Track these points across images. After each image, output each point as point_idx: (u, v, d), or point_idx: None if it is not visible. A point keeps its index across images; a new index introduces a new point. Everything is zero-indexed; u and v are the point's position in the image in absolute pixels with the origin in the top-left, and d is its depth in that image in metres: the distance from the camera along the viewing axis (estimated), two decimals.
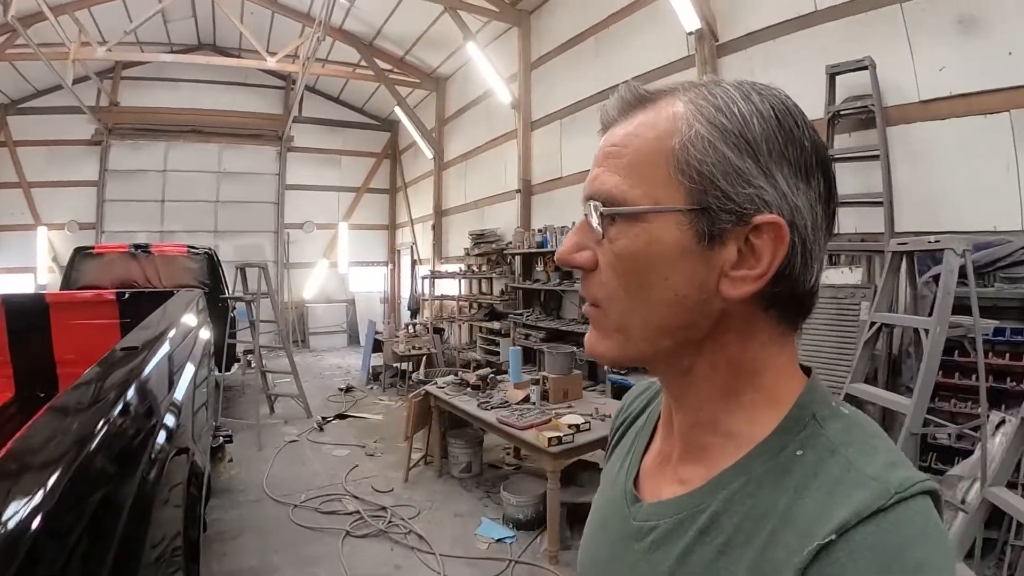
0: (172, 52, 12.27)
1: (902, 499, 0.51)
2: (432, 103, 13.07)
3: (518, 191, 9.43)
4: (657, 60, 6.76)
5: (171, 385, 2.63)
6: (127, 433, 1.78)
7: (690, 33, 5.91)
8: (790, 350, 0.65)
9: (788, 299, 0.61)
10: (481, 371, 5.70)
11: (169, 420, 2.35)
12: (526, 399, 5.00)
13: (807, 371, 0.66)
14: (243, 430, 6.74)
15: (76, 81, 10.78)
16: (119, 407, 1.79)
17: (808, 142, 0.60)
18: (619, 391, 6.34)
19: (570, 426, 4.15)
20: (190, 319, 3.72)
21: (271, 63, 10.37)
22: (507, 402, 4.99)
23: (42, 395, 4.36)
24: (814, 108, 4.94)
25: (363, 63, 12.23)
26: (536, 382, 5.13)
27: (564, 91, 8.50)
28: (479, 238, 10.27)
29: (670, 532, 0.64)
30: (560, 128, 8.66)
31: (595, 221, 0.62)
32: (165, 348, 2.54)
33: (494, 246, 9.93)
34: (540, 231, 8.49)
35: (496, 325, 9.52)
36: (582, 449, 4.13)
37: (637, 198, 0.60)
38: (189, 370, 3.05)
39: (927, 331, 3.14)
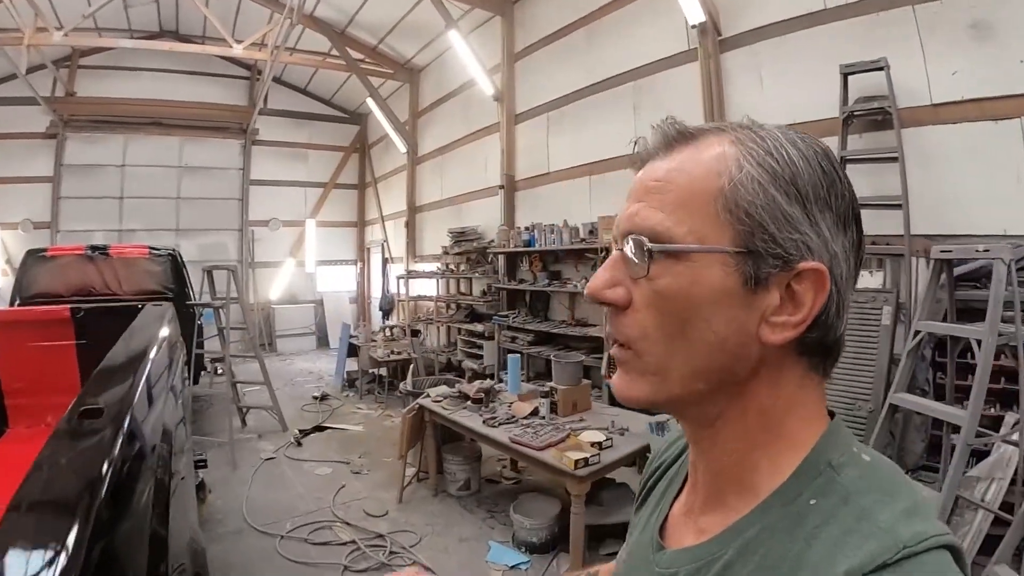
0: (132, 39, 11.70)
1: (913, 553, 0.50)
2: (405, 95, 12.87)
3: (501, 187, 9.30)
4: (655, 53, 6.72)
5: (153, 448, 2.12)
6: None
7: (693, 26, 5.87)
8: (817, 396, 0.65)
9: (819, 346, 0.62)
10: (482, 384, 5.50)
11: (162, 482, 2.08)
12: (534, 412, 4.85)
13: (832, 414, 0.67)
14: (214, 448, 6.42)
15: (31, 70, 10.41)
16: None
17: (847, 192, 0.62)
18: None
19: (592, 444, 4.02)
20: (163, 349, 2.94)
21: (238, 50, 10.13)
22: (514, 417, 4.81)
23: None
24: (824, 108, 4.98)
25: (334, 52, 11.99)
26: (545, 394, 4.99)
27: (551, 84, 8.41)
28: (459, 236, 10.13)
29: None
30: (547, 122, 8.57)
31: (635, 257, 0.62)
32: (143, 405, 2.02)
33: (475, 244, 9.81)
34: (527, 229, 8.36)
35: (479, 327, 9.39)
36: (607, 468, 3.97)
37: (683, 236, 0.60)
38: (168, 409, 2.51)
39: (979, 341, 3.17)
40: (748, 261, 0.59)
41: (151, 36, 12.65)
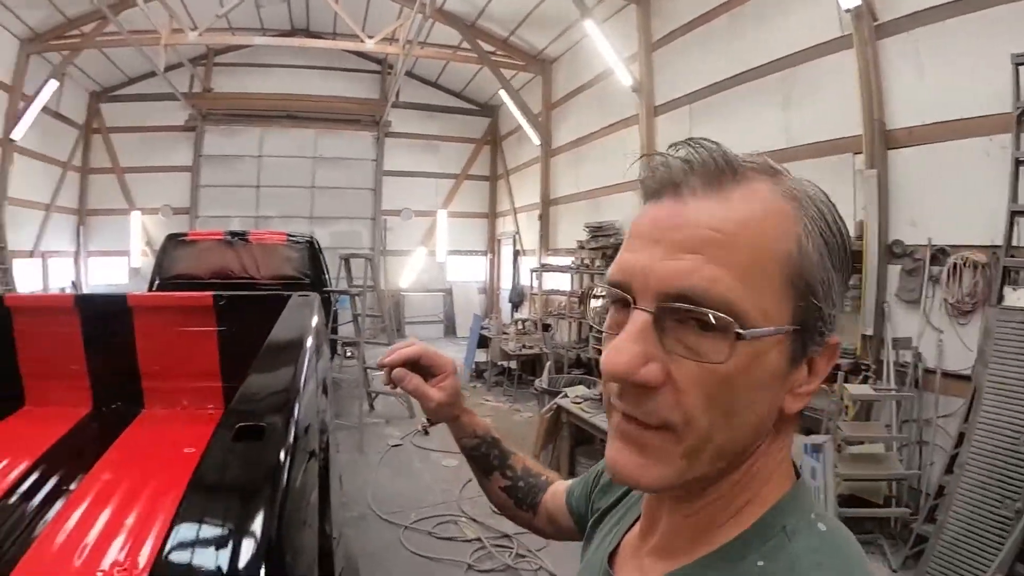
0: (265, 36, 12.98)
1: None
2: (538, 87, 13.14)
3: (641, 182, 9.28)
4: (804, 41, 6.54)
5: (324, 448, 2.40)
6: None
7: (847, 10, 5.70)
8: (787, 451, 0.64)
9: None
10: None
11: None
12: None
13: (798, 474, 0.65)
14: (343, 431, 6.66)
15: (169, 68, 11.75)
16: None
17: (849, 242, 0.60)
18: None
19: None
20: (314, 339, 2.96)
21: (369, 45, 10.81)
22: None
23: (125, 411, 3.97)
24: (993, 102, 4.70)
25: (464, 45, 12.42)
26: None
27: (693, 73, 8.33)
28: (596, 230, 10.21)
29: None
30: (689, 114, 8.52)
31: (708, 336, 0.54)
32: (306, 397, 2.09)
33: (612, 240, 9.84)
34: None
35: None
36: None
37: (750, 310, 0.53)
38: (322, 400, 2.75)
39: None
40: (799, 339, 0.56)
41: (283, 35, 13.85)
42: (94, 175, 14.66)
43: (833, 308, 0.57)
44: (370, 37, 10.84)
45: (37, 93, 11.25)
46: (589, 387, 6.30)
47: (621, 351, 0.55)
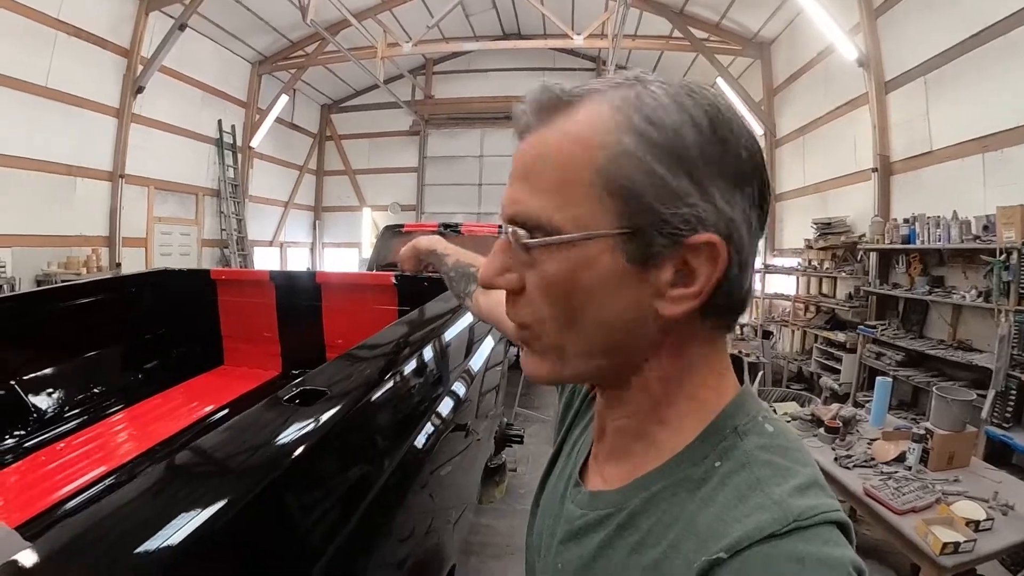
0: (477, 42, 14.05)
1: (802, 527, 0.52)
2: (757, 72, 12.22)
3: (874, 170, 8.23)
4: None
5: (468, 352, 2.86)
6: (413, 390, 2.02)
7: None
8: (721, 355, 0.68)
9: (724, 306, 0.63)
10: (841, 409, 4.78)
11: (459, 389, 2.55)
12: (899, 458, 4.03)
13: (741, 380, 0.69)
14: (535, 423, 6.74)
15: (390, 80, 13.22)
16: (412, 363, 2.06)
17: (744, 150, 0.60)
18: (1002, 452, 5.18)
19: (968, 522, 3.13)
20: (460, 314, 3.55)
21: (578, 41, 10.92)
22: (873, 460, 4.07)
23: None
24: None
25: (676, 34, 12.03)
26: (918, 438, 4.03)
27: (923, 40, 7.20)
28: (825, 228, 9.23)
29: (595, 524, 0.68)
30: (924, 87, 7.34)
31: (518, 247, 0.64)
32: (429, 355, 2.39)
33: (843, 239, 8.84)
34: (905, 222, 7.21)
35: (839, 336, 8.51)
36: (979, 561, 3.07)
37: (564, 222, 0.60)
38: (488, 343, 3.15)
39: None
40: (635, 241, 0.59)
41: (494, 39, 14.78)
42: (328, 176, 17.75)
43: (686, 208, 0.58)
44: (578, 34, 10.96)
45: (270, 107, 13.71)
46: (803, 404, 5.60)
47: (486, 264, 0.68)
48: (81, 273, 8.79)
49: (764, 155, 0.63)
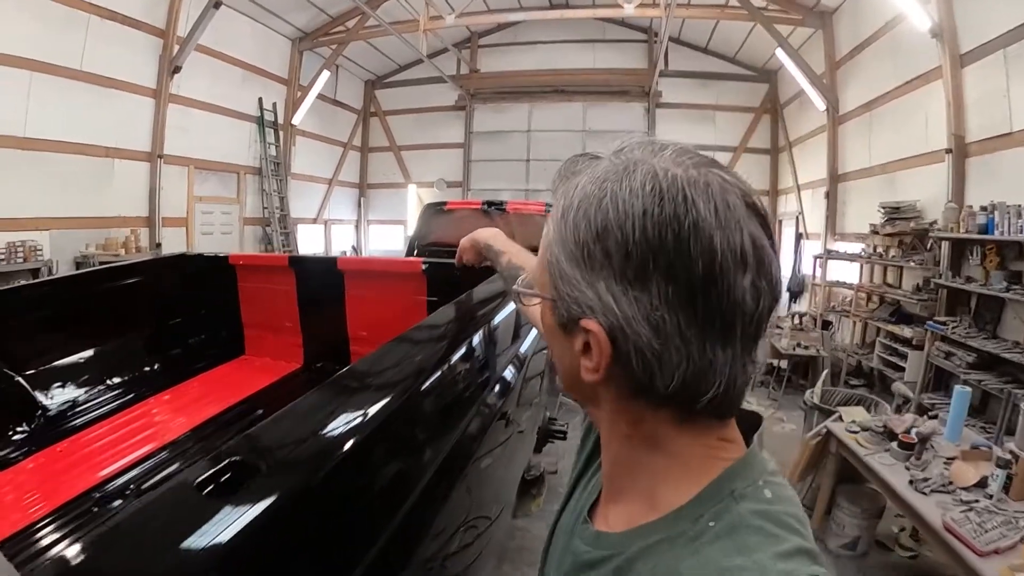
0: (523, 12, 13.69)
1: None
2: (819, 43, 11.54)
3: (948, 151, 7.64)
4: None
5: (516, 337, 2.81)
6: (460, 380, 2.02)
7: None
8: (705, 435, 0.68)
9: (680, 395, 0.63)
10: (917, 422, 4.34)
11: (508, 375, 2.53)
12: (980, 483, 3.63)
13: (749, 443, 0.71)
14: (579, 415, 6.43)
15: (434, 54, 13.15)
16: (462, 350, 2.08)
17: (703, 255, 0.59)
18: None
19: None
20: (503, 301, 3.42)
21: (629, 10, 10.59)
22: (951, 484, 3.68)
23: (332, 371, 4.39)
24: None
25: (733, 1, 11.42)
26: (1003, 463, 3.61)
27: (1003, 9, 6.62)
28: (892, 212, 8.66)
29: (597, 562, 0.71)
30: (1004, 61, 6.76)
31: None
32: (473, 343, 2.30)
33: (912, 225, 8.28)
34: (983, 209, 6.66)
35: (905, 331, 8.00)
36: None
37: (535, 280, 0.77)
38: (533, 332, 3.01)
39: None
40: (556, 309, 0.69)
41: (541, 10, 14.23)
42: (373, 153, 17.78)
43: (577, 292, 0.65)
44: (629, 2, 10.54)
45: (311, 84, 13.65)
46: (870, 410, 5.26)
47: None
48: (120, 254, 8.94)
49: (761, 256, 0.63)
